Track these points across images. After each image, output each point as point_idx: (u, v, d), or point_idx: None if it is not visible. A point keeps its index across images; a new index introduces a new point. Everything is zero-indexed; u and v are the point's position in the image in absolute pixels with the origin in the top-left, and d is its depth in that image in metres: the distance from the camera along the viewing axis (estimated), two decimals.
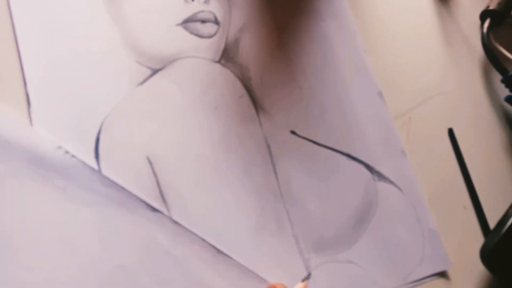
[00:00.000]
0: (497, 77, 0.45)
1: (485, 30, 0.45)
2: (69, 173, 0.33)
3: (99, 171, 0.35)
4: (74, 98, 0.36)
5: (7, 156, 0.32)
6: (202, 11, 0.39)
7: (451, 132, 0.42)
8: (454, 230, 0.40)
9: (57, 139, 0.35)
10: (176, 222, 0.35)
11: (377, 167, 0.40)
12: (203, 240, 0.35)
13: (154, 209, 0.35)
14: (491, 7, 0.45)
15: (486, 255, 0.38)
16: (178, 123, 0.37)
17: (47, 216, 0.32)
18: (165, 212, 0.35)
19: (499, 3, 0.45)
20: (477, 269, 0.40)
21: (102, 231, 0.33)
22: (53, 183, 0.33)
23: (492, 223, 0.40)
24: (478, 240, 0.40)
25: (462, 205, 0.41)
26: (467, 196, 0.42)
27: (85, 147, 0.35)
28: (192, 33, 0.39)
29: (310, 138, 0.39)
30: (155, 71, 0.38)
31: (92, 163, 0.35)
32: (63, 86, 0.36)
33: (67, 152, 0.33)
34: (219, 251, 0.35)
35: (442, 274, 0.39)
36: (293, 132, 0.39)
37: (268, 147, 0.38)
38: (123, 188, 0.34)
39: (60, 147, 0.33)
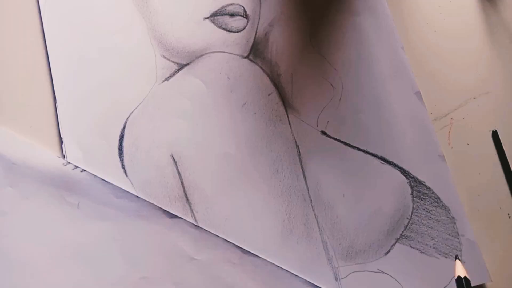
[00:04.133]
0: None
1: None
2: (80, 189, 0.32)
3: (123, 168, 0.34)
4: (99, 93, 0.35)
5: (16, 179, 0.31)
6: (231, 4, 0.37)
7: (495, 135, 0.39)
8: (497, 240, 0.37)
9: (82, 136, 0.34)
10: (197, 227, 0.33)
11: (413, 172, 0.37)
12: (227, 241, 0.34)
13: (173, 216, 0.33)
14: None
15: None
16: (204, 120, 0.36)
17: (64, 235, 0.32)
18: (189, 214, 0.34)
19: None
20: None
21: (122, 244, 0.32)
22: (65, 201, 0.32)
23: None
24: None
25: (506, 213, 0.38)
26: None
27: (109, 144, 0.34)
28: (220, 27, 0.37)
29: (342, 139, 0.37)
30: (181, 66, 0.36)
31: (116, 160, 0.34)
32: (88, 82, 0.35)
33: (76, 167, 0.32)
34: (245, 252, 0.33)
35: None
36: (324, 133, 0.37)
37: (297, 148, 0.37)
38: (137, 197, 0.33)
39: (68, 163, 0.32)
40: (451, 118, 0.39)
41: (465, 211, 0.37)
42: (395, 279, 0.35)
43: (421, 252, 0.36)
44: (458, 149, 0.39)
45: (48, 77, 0.34)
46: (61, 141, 0.33)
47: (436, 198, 0.37)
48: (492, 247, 0.37)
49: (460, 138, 0.39)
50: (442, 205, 0.37)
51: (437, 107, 0.39)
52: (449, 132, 0.39)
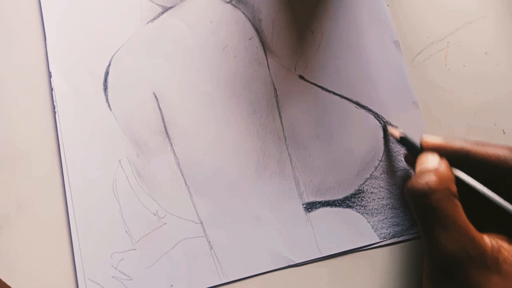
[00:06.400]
0: None
1: None
2: None
3: (107, 102, 0.36)
4: (87, 32, 0.37)
5: None
6: None
7: None
8: None
9: (70, 71, 0.36)
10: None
11: (387, 117, 0.39)
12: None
13: None
14: None
15: None
16: (185, 61, 0.38)
17: None
18: (168, 147, 0.36)
19: None
20: None
21: None
22: None
23: None
24: None
25: (501, 129, 0.39)
26: None
27: (95, 79, 0.36)
28: None
29: (319, 84, 0.39)
30: (165, 9, 0.38)
31: (100, 95, 0.36)
32: (76, 21, 0.37)
33: None
34: None
35: None
36: (301, 77, 0.39)
37: (275, 90, 0.38)
38: None
39: None
40: (448, 42, 0.40)
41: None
42: (362, 215, 0.37)
43: (390, 192, 0.37)
44: (454, 71, 0.40)
45: (39, 16, 0.36)
46: (49, 75, 0.36)
47: None
48: None
49: (456, 60, 0.40)
50: None
51: (434, 31, 0.40)
52: (446, 54, 0.40)
